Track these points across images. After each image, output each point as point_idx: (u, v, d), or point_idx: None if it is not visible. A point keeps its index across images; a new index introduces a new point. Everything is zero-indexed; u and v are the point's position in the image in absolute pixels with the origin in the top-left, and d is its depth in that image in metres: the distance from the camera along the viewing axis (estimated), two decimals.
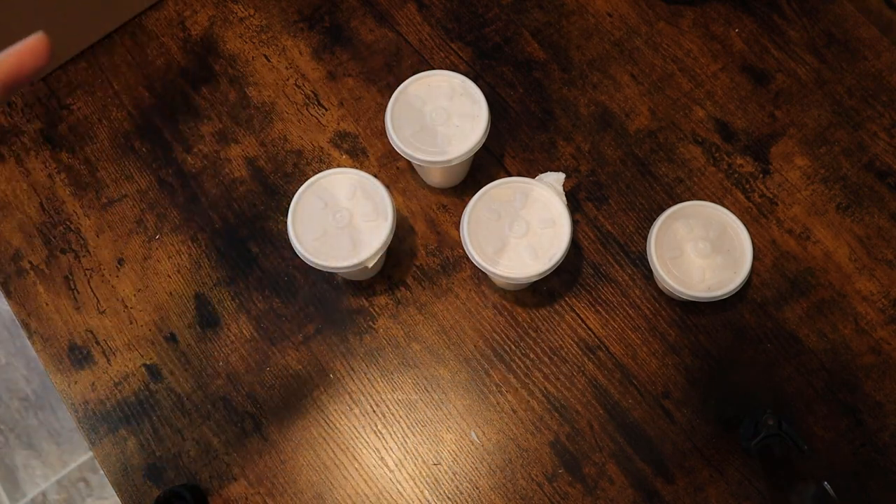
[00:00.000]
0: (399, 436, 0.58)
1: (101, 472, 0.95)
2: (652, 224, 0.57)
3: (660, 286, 0.60)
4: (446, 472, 0.57)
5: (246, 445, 0.58)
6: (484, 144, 0.58)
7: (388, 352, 0.60)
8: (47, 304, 0.63)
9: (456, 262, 0.62)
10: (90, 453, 1.32)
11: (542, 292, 0.61)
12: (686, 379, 0.59)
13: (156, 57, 0.70)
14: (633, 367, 0.59)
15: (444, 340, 0.60)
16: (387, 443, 0.58)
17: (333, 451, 0.58)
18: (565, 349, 0.60)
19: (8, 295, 0.64)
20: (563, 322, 0.60)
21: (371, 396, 0.59)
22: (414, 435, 0.58)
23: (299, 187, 0.56)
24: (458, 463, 0.57)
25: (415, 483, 0.57)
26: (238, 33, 0.71)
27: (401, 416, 0.59)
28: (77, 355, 0.61)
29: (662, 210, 0.57)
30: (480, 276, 0.62)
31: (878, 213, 0.62)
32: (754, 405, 0.57)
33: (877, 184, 0.63)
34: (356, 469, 0.58)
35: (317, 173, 0.57)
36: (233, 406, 0.59)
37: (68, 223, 0.65)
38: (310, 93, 0.68)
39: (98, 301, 0.63)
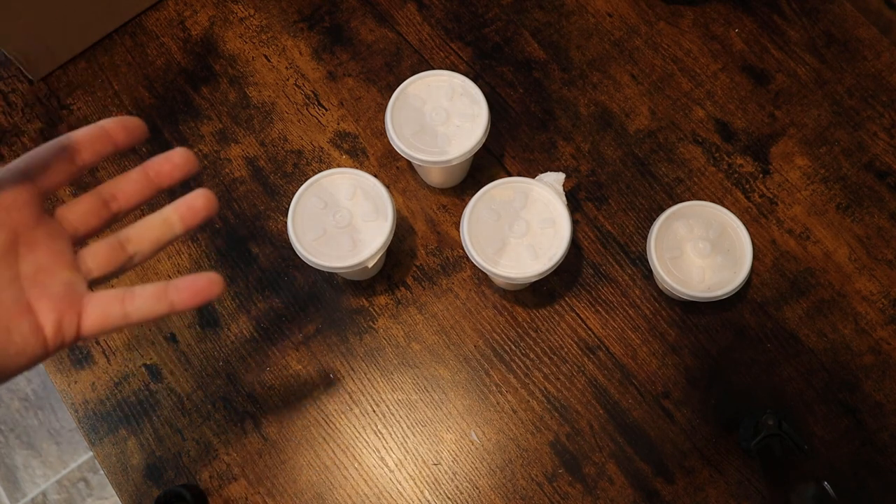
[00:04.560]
0: (399, 436, 0.58)
1: (101, 472, 0.95)
2: (652, 224, 0.57)
3: (660, 286, 0.60)
4: (446, 472, 0.57)
5: (246, 445, 0.58)
6: (484, 144, 0.58)
7: (388, 352, 0.60)
8: None
9: (456, 262, 0.62)
10: (90, 453, 1.32)
11: (542, 292, 0.61)
12: (686, 379, 0.59)
13: (156, 57, 0.70)
14: (633, 367, 0.59)
15: (444, 340, 0.60)
16: (387, 443, 0.58)
17: (333, 451, 0.58)
18: (565, 349, 0.60)
19: None
20: (563, 322, 0.60)
21: (371, 396, 0.59)
22: (414, 435, 0.58)
23: (299, 187, 0.56)
24: (458, 463, 0.57)
25: (415, 483, 0.57)
26: (238, 33, 0.71)
27: (401, 416, 0.59)
28: (77, 355, 0.61)
29: (662, 210, 0.57)
30: (480, 276, 0.62)
31: (878, 213, 0.62)
32: (754, 405, 0.57)
33: (877, 184, 0.63)
34: (356, 469, 0.58)
35: (317, 173, 0.57)
36: (233, 406, 0.59)
37: None
38: (310, 93, 0.68)
39: None
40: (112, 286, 0.62)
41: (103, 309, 0.35)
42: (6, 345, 0.32)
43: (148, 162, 0.38)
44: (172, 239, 0.38)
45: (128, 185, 0.38)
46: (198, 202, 0.38)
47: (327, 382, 0.60)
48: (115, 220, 0.38)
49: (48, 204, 0.36)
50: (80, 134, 0.36)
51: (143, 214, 0.39)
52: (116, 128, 0.36)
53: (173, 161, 0.37)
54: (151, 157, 0.38)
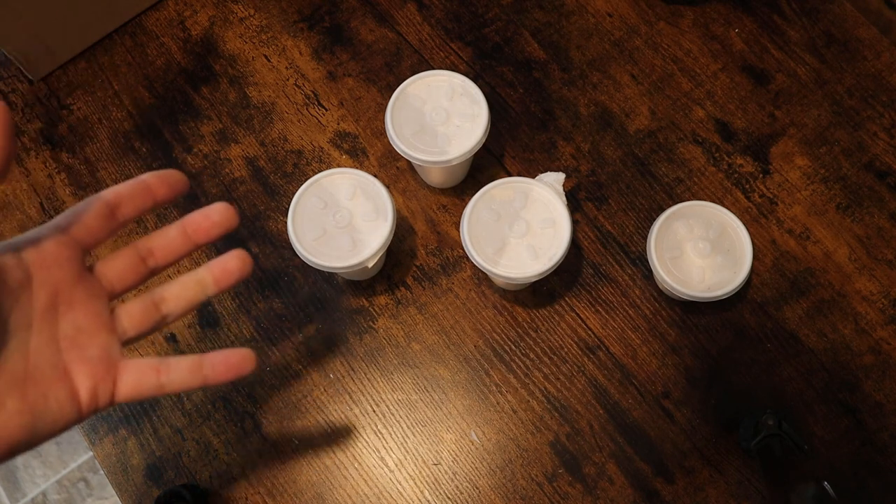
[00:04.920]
0: (399, 436, 0.58)
1: (101, 471, 0.95)
2: (652, 224, 0.57)
3: (660, 286, 0.60)
4: (446, 472, 0.57)
5: (246, 445, 0.58)
6: (484, 144, 0.58)
7: (388, 352, 0.60)
8: None
9: (456, 262, 0.62)
10: (90, 453, 1.32)
11: (542, 292, 0.61)
12: (686, 379, 0.59)
13: (156, 57, 0.70)
14: (633, 367, 0.59)
15: (444, 340, 0.60)
16: (387, 443, 0.58)
17: (333, 451, 0.58)
18: (565, 349, 0.60)
19: None
20: (563, 322, 0.60)
21: (371, 396, 0.59)
22: (414, 435, 0.58)
23: (299, 187, 0.56)
24: (458, 463, 0.57)
25: (415, 483, 0.57)
26: (238, 33, 0.71)
27: (401, 416, 0.59)
28: None
29: (662, 210, 0.57)
30: (480, 276, 0.62)
31: (878, 213, 0.62)
32: (754, 405, 0.57)
33: (877, 184, 0.63)
34: (356, 469, 0.58)
35: (317, 173, 0.57)
36: (233, 406, 0.59)
37: None
38: (310, 93, 0.68)
39: None
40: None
41: (138, 378, 0.35)
42: (43, 411, 0.32)
43: (186, 218, 0.38)
44: (205, 299, 0.38)
45: (165, 242, 0.37)
46: (232, 264, 0.38)
47: (327, 382, 0.60)
48: (150, 277, 0.38)
49: (88, 259, 0.35)
50: (121, 189, 0.36)
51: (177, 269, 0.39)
52: (157, 182, 0.36)
53: (212, 219, 0.38)
54: (190, 214, 0.37)
